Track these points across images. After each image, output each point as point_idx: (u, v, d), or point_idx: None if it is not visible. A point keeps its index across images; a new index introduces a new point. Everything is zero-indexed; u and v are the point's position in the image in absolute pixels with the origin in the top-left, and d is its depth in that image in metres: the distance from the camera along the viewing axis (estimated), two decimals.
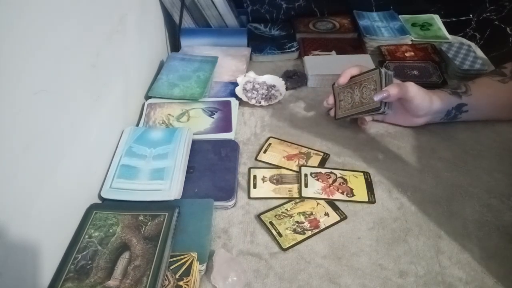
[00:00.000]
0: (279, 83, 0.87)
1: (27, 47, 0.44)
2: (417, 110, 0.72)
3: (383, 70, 0.70)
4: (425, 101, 0.70)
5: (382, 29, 1.05)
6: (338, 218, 0.60)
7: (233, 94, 0.84)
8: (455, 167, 0.69)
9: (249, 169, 0.69)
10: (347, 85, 0.74)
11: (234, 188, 0.64)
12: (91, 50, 0.60)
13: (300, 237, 0.58)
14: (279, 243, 0.57)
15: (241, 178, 0.68)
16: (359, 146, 0.74)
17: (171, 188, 0.61)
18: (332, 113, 0.77)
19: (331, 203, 0.63)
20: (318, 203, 0.63)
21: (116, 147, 0.69)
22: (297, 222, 0.60)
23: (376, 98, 0.68)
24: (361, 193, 0.64)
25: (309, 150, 0.73)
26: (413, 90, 0.69)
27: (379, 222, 0.60)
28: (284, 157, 0.71)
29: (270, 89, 0.85)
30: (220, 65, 0.92)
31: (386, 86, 0.68)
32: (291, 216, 0.60)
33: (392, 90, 0.67)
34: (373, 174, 0.68)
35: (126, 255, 0.51)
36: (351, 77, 0.74)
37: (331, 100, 0.76)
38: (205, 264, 0.53)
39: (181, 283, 0.49)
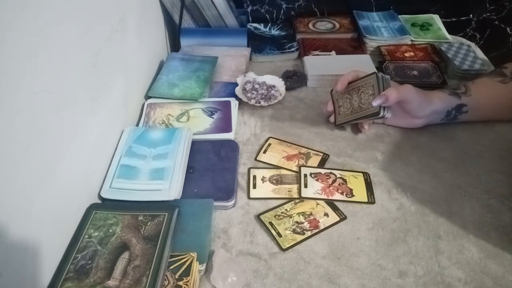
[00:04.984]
0: (279, 83, 0.87)
1: (27, 47, 0.44)
2: (417, 111, 0.72)
3: (380, 74, 0.70)
4: (424, 102, 0.71)
5: (382, 29, 1.05)
6: (338, 219, 0.60)
7: (233, 94, 0.84)
8: (455, 168, 0.69)
9: (249, 169, 0.69)
10: (345, 91, 0.75)
11: (233, 188, 0.64)
12: (91, 50, 0.60)
13: (299, 238, 0.58)
14: (278, 243, 0.57)
15: (241, 178, 0.68)
16: (358, 147, 0.74)
17: (171, 188, 0.61)
18: (332, 119, 0.77)
19: (331, 203, 0.63)
20: (317, 204, 0.63)
21: (116, 147, 0.69)
22: (297, 222, 0.60)
23: (375, 103, 0.68)
24: (360, 194, 0.64)
25: (309, 151, 0.73)
26: (412, 92, 0.69)
27: (379, 222, 0.60)
28: (283, 157, 0.71)
29: (270, 89, 0.85)
30: (220, 65, 0.92)
31: (384, 90, 0.68)
32: (290, 216, 0.61)
33: (391, 94, 0.67)
34: (373, 174, 0.68)
35: (125, 255, 0.51)
36: (349, 83, 0.74)
37: (330, 107, 0.77)
38: (204, 264, 0.53)
39: (180, 283, 0.49)
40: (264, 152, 0.72)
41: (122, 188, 0.62)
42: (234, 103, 0.81)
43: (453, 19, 1.17)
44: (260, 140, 0.76)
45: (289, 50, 1.00)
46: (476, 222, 0.60)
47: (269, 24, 1.10)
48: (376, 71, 0.72)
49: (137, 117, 0.80)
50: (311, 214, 0.61)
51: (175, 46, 1.05)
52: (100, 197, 0.62)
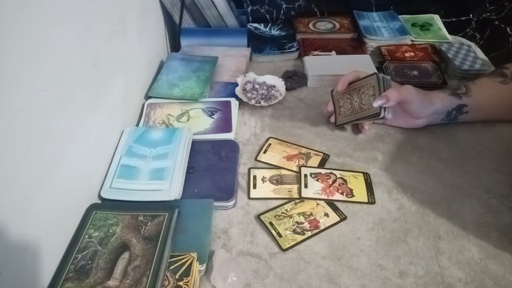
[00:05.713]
0: (279, 83, 0.87)
1: (27, 47, 0.44)
2: (417, 112, 0.72)
3: (380, 75, 0.70)
4: (425, 103, 0.70)
5: (382, 29, 1.05)
6: (338, 219, 0.60)
7: (233, 94, 0.84)
8: (455, 168, 0.69)
9: (249, 169, 0.69)
10: (346, 92, 0.75)
11: (234, 189, 0.64)
12: (91, 50, 0.60)
13: (299, 238, 0.58)
14: (278, 244, 0.57)
15: (241, 178, 0.68)
16: (359, 147, 0.74)
17: (171, 188, 0.61)
18: (332, 119, 0.77)
19: (331, 203, 0.63)
20: (318, 204, 0.63)
21: (116, 147, 0.69)
22: (297, 222, 0.60)
23: (376, 104, 0.68)
24: (360, 194, 0.64)
25: (309, 151, 0.73)
26: (412, 93, 0.69)
27: (379, 222, 0.60)
28: (284, 157, 0.71)
29: (270, 89, 0.85)
30: (220, 65, 0.92)
31: (384, 91, 0.68)
32: (291, 216, 0.61)
33: (391, 95, 0.67)
34: (373, 174, 0.68)
35: (126, 255, 0.51)
36: (349, 83, 0.74)
37: (330, 107, 0.77)
38: (205, 264, 0.53)
39: (181, 283, 0.49)
40: (264, 152, 0.72)
41: (122, 188, 0.62)
42: (234, 103, 0.81)
43: (453, 19, 1.17)
44: (260, 140, 0.76)
45: (289, 50, 1.00)
46: (476, 222, 0.60)
47: (269, 24, 1.10)
48: (377, 72, 0.72)
49: (137, 117, 0.80)
50: (311, 214, 0.61)
51: (175, 46, 1.05)
52: (100, 197, 0.62)
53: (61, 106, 0.51)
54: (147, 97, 0.83)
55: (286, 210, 0.62)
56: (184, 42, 1.00)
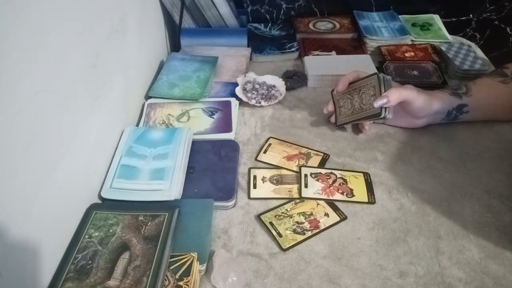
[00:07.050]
0: (279, 83, 0.87)
1: (27, 47, 0.44)
2: (418, 112, 0.72)
3: (381, 75, 0.70)
4: (425, 103, 0.70)
5: (382, 29, 1.05)
6: (338, 219, 0.60)
7: (233, 94, 0.84)
8: (455, 168, 0.69)
9: (249, 169, 0.69)
10: (346, 91, 0.75)
11: (234, 188, 0.64)
12: (91, 50, 0.60)
13: (300, 238, 0.58)
14: (279, 244, 0.57)
15: (241, 178, 0.67)
16: (359, 147, 0.74)
17: (171, 188, 0.61)
18: (332, 119, 0.77)
19: (331, 203, 0.63)
20: (318, 204, 0.63)
21: (116, 147, 0.69)
22: (297, 222, 0.60)
23: (376, 104, 0.68)
24: (361, 194, 0.64)
25: (309, 151, 0.73)
26: (413, 93, 0.69)
27: (379, 222, 0.60)
28: (284, 157, 0.71)
29: (270, 89, 0.85)
30: (220, 65, 0.92)
31: (385, 91, 0.68)
32: (291, 216, 0.61)
33: (392, 96, 0.67)
34: (373, 174, 0.68)
35: (126, 255, 0.51)
36: (350, 83, 0.74)
37: (330, 107, 0.77)
38: (205, 264, 0.53)
39: (181, 283, 0.49)
40: (265, 152, 0.72)
41: (123, 188, 0.62)
42: (234, 103, 0.81)
43: (453, 19, 1.17)
44: (261, 140, 0.76)
45: (289, 50, 1.00)
46: (476, 222, 0.60)
47: (269, 24, 1.10)
48: (378, 72, 0.72)
49: (137, 117, 0.80)
50: (311, 214, 0.61)
51: (175, 46, 1.05)
52: (100, 197, 0.62)
53: (61, 106, 0.51)
54: (147, 97, 0.83)
55: (286, 210, 0.62)
56: (184, 42, 1.00)
